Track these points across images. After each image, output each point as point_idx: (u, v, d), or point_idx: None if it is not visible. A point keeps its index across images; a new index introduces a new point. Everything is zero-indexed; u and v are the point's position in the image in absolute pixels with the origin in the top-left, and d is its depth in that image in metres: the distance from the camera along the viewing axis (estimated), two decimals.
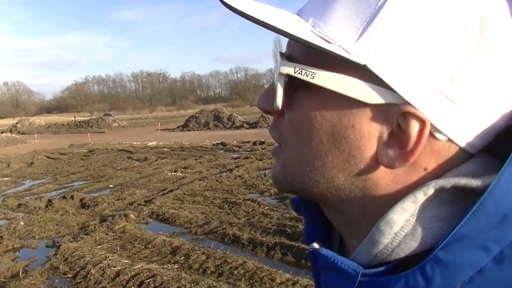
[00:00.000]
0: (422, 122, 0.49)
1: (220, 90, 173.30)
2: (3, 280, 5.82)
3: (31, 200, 10.24)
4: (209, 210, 8.42)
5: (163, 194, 10.08)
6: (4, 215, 9.33)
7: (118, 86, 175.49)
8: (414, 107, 0.48)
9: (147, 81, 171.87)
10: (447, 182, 0.49)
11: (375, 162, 0.53)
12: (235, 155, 16.83)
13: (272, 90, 0.58)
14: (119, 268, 5.69)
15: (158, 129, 42.36)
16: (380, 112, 0.51)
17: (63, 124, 59.16)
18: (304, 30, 0.51)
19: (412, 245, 0.50)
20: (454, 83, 0.48)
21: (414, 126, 0.49)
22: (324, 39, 0.50)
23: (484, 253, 0.46)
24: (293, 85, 0.56)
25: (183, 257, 6.02)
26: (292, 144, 0.58)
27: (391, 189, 0.54)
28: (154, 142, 25.42)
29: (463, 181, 0.48)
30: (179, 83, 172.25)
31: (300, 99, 0.56)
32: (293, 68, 0.53)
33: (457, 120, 0.49)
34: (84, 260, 6.10)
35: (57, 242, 7.11)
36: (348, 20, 0.50)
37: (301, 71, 0.52)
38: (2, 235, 7.66)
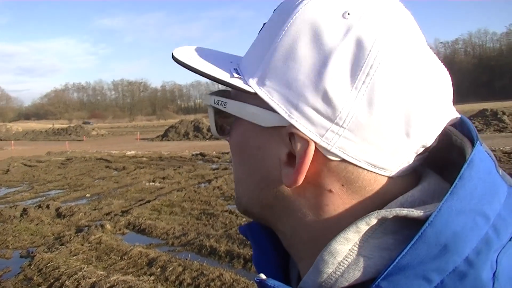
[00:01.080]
0: (306, 142, 0.52)
1: (201, 100, 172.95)
2: None
3: (6, 209, 10.09)
4: (187, 221, 8.39)
5: (141, 204, 10.01)
6: None
7: (98, 94, 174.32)
8: (296, 128, 0.52)
9: (128, 90, 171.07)
10: (389, 213, 0.50)
11: (280, 182, 0.57)
12: (214, 166, 16.80)
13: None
14: (94, 279, 5.63)
15: (138, 138, 42.08)
16: (276, 135, 0.56)
17: (41, 131, 58.53)
18: (221, 69, 0.59)
19: (355, 275, 0.50)
20: (331, 103, 0.51)
21: (300, 146, 0.53)
22: (231, 75, 0.58)
23: (426, 283, 0.46)
24: (222, 114, 0.64)
25: (159, 269, 5.99)
26: (234, 166, 0.66)
27: (306, 209, 0.57)
28: (133, 152, 25.23)
29: (404, 211, 0.49)
30: (160, 92, 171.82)
31: (230, 127, 0.65)
32: (213, 100, 0.63)
33: (347, 140, 0.51)
34: (59, 271, 6.01)
35: (32, 253, 7.02)
36: (253, 59, 0.59)
37: (218, 101, 0.62)
38: None
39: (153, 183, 13.01)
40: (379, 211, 0.51)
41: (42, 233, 8.20)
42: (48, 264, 6.28)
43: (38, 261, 6.47)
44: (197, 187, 11.91)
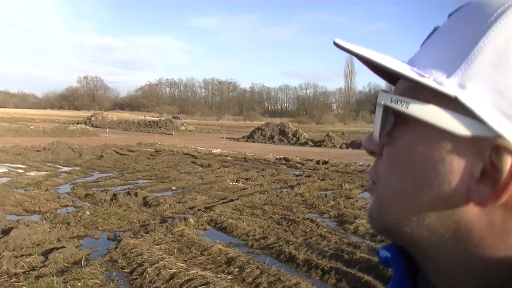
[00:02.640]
0: None
1: (287, 104, 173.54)
2: (66, 265, 6.03)
3: (98, 192, 10.64)
4: (267, 225, 8.41)
5: (223, 203, 10.18)
6: (72, 202, 9.78)
7: (189, 90, 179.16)
8: (507, 140, 0.47)
9: (217, 89, 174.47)
10: None
11: (466, 201, 0.51)
12: (297, 172, 16.78)
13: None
14: (174, 270, 5.77)
15: (224, 137, 42.87)
16: (472, 146, 0.50)
17: (134, 122, 61.13)
18: (402, 66, 0.54)
19: None
20: None
21: (506, 160, 0.47)
22: (419, 74, 0.52)
23: None
24: (390, 119, 0.57)
25: (237, 269, 6.03)
26: (387, 178, 0.58)
27: (486, 235, 0.51)
28: (219, 150, 25.74)
29: None
30: (248, 93, 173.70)
31: (396, 134, 0.57)
32: (390, 98, 0.55)
33: None
34: (141, 258, 6.23)
35: (118, 236, 7.33)
36: (443, 58, 0.54)
37: (396, 101, 0.54)
38: (69, 222, 8.01)
39: (236, 183, 13.17)
40: None
41: (129, 219, 8.55)
42: (133, 250, 6.52)
43: (124, 245, 6.73)
44: (279, 192, 11.92)
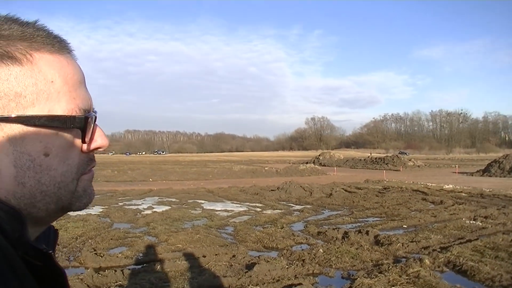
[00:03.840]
0: None
1: None
2: None
3: (329, 230, 10.85)
4: None
5: (461, 243, 9.45)
6: (306, 240, 10.14)
7: (415, 124, 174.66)
8: None
9: (446, 121, 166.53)
10: None
11: None
12: None
13: None
14: None
15: (456, 172, 40.38)
16: None
17: (360, 159, 61.56)
18: None
19: None
20: None
21: None
22: None
23: None
24: None
25: None
26: None
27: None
28: (451, 186, 24.25)
29: None
30: (481, 123, 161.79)
31: None
32: None
33: None
34: None
35: (352, 275, 7.32)
36: None
37: None
38: (304, 259, 8.29)
39: (473, 222, 12.17)
40: None
41: (361, 258, 8.50)
42: None
43: (358, 285, 6.68)
44: None
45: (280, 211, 15.07)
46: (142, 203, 17.09)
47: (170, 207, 15.67)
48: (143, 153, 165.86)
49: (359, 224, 12.36)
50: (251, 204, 16.82)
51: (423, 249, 9.07)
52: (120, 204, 16.65)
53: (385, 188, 22.74)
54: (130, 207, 15.76)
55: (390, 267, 7.62)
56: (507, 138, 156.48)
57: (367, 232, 10.32)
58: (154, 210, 14.96)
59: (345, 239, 9.86)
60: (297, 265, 7.81)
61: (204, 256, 8.39)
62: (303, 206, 16.26)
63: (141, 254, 8.72)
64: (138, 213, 14.15)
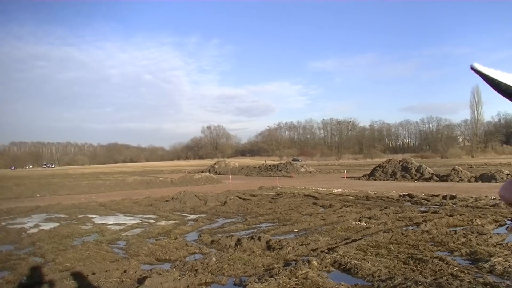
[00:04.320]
0: None
1: (409, 140, 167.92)
2: None
3: (223, 238, 10.95)
4: (393, 265, 8.08)
5: (347, 243, 9.98)
6: (199, 249, 10.14)
7: (308, 132, 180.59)
8: None
9: (336, 129, 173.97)
10: None
11: None
12: (422, 209, 16.02)
13: None
14: None
15: (344, 177, 42.41)
16: None
17: (255, 167, 62.63)
18: None
19: None
20: None
21: None
22: None
23: None
24: None
25: None
26: None
27: None
28: (340, 190, 25.48)
29: None
30: (368, 131, 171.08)
31: None
32: None
33: None
34: None
35: (244, 282, 7.45)
36: None
37: None
38: (197, 269, 8.30)
39: (359, 223, 12.89)
40: None
41: (253, 264, 8.67)
42: None
43: None
44: (404, 230, 11.46)
45: (174, 221, 14.94)
46: (28, 221, 16.10)
47: (58, 224, 14.91)
48: (30, 166, 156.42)
49: (253, 230, 12.58)
50: (144, 216, 16.51)
51: (312, 251, 9.44)
52: (2, 224, 15.59)
53: (278, 194, 23.34)
54: (14, 226, 14.78)
55: (281, 270, 7.86)
56: (390, 145, 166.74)
57: (259, 238, 10.55)
58: (41, 228, 14.13)
59: (238, 246, 10.01)
60: (189, 275, 7.79)
61: (94, 274, 8.08)
62: (197, 216, 16.24)
63: (25, 278, 8.20)
64: (23, 232, 13.30)
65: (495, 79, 0.42)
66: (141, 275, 7.84)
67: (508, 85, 0.45)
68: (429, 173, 34.96)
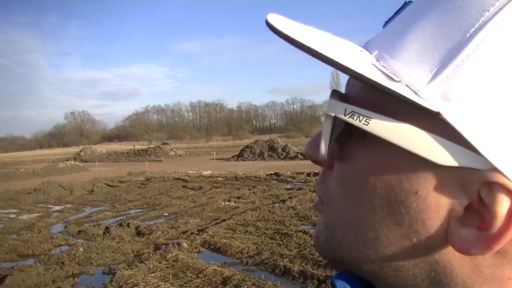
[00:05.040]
0: None
1: (276, 120, 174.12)
2: None
3: (90, 227, 10.59)
4: (261, 241, 8.43)
5: (216, 223, 10.19)
6: (66, 241, 9.71)
7: (176, 115, 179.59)
8: (506, 177, 0.36)
9: (205, 111, 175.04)
10: None
11: (445, 243, 0.40)
12: (288, 186, 16.82)
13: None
14: None
15: (214, 159, 42.88)
16: (454, 178, 0.39)
17: (123, 153, 60.87)
18: (363, 63, 0.39)
19: None
20: None
21: (504, 203, 0.36)
22: (388, 75, 0.38)
23: None
24: (346, 131, 0.46)
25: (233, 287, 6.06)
26: (339, 204, 0.47)
27: (471, 282, 0.40)
28: (209, 171, 25.75)
29: None
30: (236, 113, 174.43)
31: (352, 150, 0.45)
32: (344, 110, 0.41)
33: None
34: None
35: (113, 269, 7.31)
36: (423, 55, 0.39)
37: (353, 114, 0.41)
38: (63, 261, 7.96)
39: (228, 203, 13.19)
40: None
41: (122, 251, 8.53)
42: (128, 281, 6.50)
43: (119, 278, 6.70)
44: (271, 207, 11.95)
45: (38, 214, 14.09)
46: None
47: None
48: None
49: (122, 217, 12.30)
50: (3, 212, 15.33)
51: (182, 234, 9.50)
52: None
53: (147, 179, 23.00)
54: None
55: (151, 255, 7.83)
56: (258, 126, 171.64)
57: (128, 225, 10.37)
58: None
59: (107, 234, 9.75)
60: (55, 269, 7.45)
61: None
62: (63, 206, 15.48)
63: None
64: None
65: (297, 41, 0.37)
66: (0, 274, 7.34)
67: (313, 49, 0.36)
68: (294, 152, 36.56)
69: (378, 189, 0.42)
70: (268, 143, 39.77)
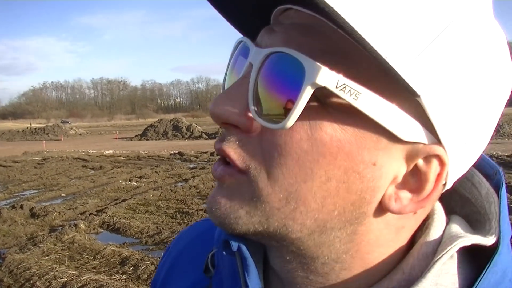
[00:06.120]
0: (442, 166, 0.43)
1: (181, 99, 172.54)
2: None
3: None
4: (161, 220, 8.40)
5: (116, 203, 9.97)
6: None
7: (77, 92, 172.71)
8: (444, 150, 0.43)
9: (107, 89, 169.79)
10: (468, 241, 0.46)
11: (380, 206, 0.45)
12: (191, 165, 16.81)
13: (253, 95, 0.44)
14: (65, 279, 5.62)
15: (116, 138, 41.78)
16: (403, 150, 0.43)
17: (18, 131, 57.51)
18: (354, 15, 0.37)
19: None
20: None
21: (436, 170, 0.43)
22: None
23: None
24: (312, 100, 0.42)
25: (131, 268, 5.99)
26: (282, 175, 0.44)
27: (382, 234, 0.46)
28: (111, 151, 25.07)
29: (479, 240, 0.46)
30: (140, 91, 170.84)
31: (312, 119, 0.43)
32: (336, 81, 0.39)
33: (457, 164, 0.45)
34: (30, 272, 5.97)
35: (3, 254, 6.94)
36: (404, 27, 0.38)
37: (345, 87, 0.39)
38: None
39: (129, 182, 12.96)
40: (461, 239, 0.46)
41: (14, 234, 8.12)
42: (19, 265, 6.22)
43: (9, 262, 6.40)
44: (173, 186, 11.91)
45: None
46: None
47: None
48: None
49: (15, 199, 11.67)
50: None
51: (80, 215, 9.20)
52: None
53: (44, 159, 21.94)
54: None
55: (45, 237, 7.54)
56: (163, 104, 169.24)
57: (21, 206, 9.86)
58: None
59: None
60: None
61: None
62: None
63: None
64: None
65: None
66: None
67: None
68: (198, 131, 36.52)
69: (338, 160, 0.42)
70: (172, 123, 39.38)
